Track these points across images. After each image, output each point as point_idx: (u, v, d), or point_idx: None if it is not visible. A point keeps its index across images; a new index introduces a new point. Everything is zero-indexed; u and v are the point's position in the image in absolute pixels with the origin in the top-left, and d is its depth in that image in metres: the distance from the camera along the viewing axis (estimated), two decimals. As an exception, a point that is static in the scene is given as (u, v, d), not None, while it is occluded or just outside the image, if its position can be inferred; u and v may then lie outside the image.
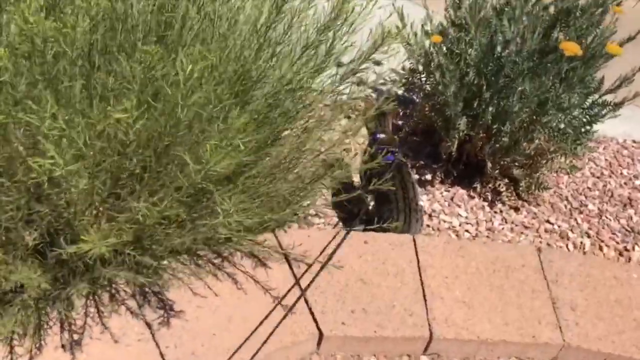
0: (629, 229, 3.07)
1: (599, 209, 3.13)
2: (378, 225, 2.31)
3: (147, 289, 1.97)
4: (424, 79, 3.17)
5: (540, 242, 2.92)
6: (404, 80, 3.42)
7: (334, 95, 2.28)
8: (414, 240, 2.29)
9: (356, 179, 2.92)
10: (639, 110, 3.66)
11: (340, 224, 2.82)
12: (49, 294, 1.83)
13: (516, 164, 3.01)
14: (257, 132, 1.83)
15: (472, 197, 3.06)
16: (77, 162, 1.35)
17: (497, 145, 2.93)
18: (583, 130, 2.92)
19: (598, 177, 3.30)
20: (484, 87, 2.87)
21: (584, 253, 2.90)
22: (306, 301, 2.06)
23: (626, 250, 2.96)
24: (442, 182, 3.09)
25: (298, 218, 2.84)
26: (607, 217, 3.10)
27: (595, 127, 2.93)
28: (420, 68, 3.16)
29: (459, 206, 3.02)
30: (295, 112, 2.05)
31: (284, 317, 2.00)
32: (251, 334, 1.95)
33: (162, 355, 1.87)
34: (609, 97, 2.89)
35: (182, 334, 1.92)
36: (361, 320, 2.05)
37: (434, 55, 2.93)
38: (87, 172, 1.38)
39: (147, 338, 1.90)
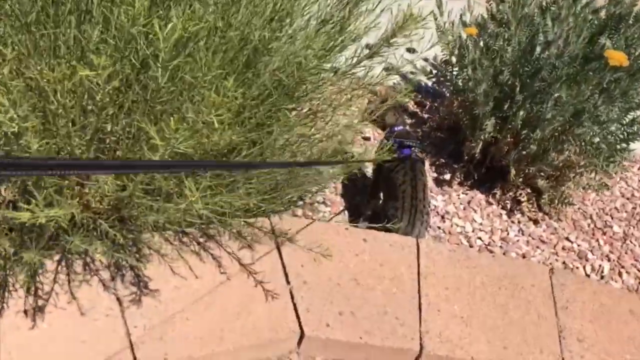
0: (653, 257, 2.82)
1: (624, 232, 2.88)
2: (381, 225, 2.11)
3: (123, 262, 1.80)
4: (455, 72, 2.93)
5: (557, 259, 2.69)
6: (435, 72, 3.19)
7: (352, 77, 2.08)
8: (418, 244, 2.08)
9: (370, 170, 2.72)
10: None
11: (346, 213, 2.62)
12: (15, 257, 1.67)
13: (542, 174, 2.77)
14: (253, 109, 1.64)
15: (490, 204, 2.84)
16: (38, 119, 1.17)
17: (524, 152, 2.69)
18: (618, 147, 2.67)
19: (628, 199, 3.04)
20: (518, 89, 2.63)
21: (602, 277, 2.67)
22: (292, 296, 1.88)
23: (647, 279, 2.72)
24: (460, 184, 2.87)
25: (304, 204, 2.65)
26: (631, 242, 2.85)
27: (633, 145, 2.68)
28: (454, 60, 2.93)
29: (475, 211, 2.80)
30: (305, 94, 1.84)
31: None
32: (227, 326, 1.78)
33: (128, 335, 1.70)
34: (651, 116, 2.63)
35: (154, 315, 1.75)
36: (348, 324, 1.85)
37: (469, 48, 2.70)
38: (44, 132, 1.20)
39: (116, 314, 1.73)
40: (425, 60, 3.35)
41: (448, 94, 3.10)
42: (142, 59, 1.26)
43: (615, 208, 2.98)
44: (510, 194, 2.85)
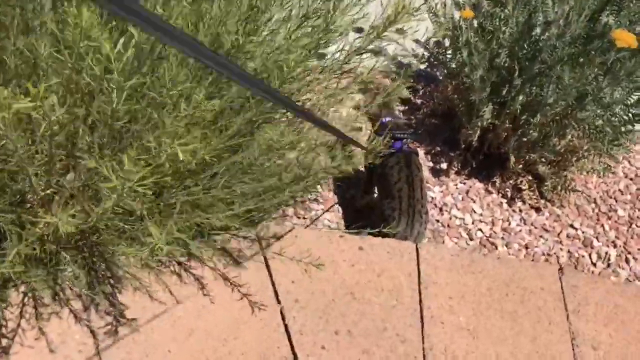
0: (661, 240, 2.63)
1: (629, 215, 2.68)
2: (377, 230, 1.90)
3: (97, 289, 1.59)
4: (449, 55, 2.70)
5: (561, 248, 2.49)
6: (426, 55, 2.96)
7: (339, 73, 1.86)
8: (417, 250, 1.87)
9: (362, 166, 2.50)
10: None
11: (339, 210, 2.41)
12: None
13: (543, 160, 2.56)
14: (230, 119, 1.41)
15: (490, 192, 2.63)
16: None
17: (524, 139, 2.48)
18: (623, 129, 2.46)
19: (632, 179, 2.83)
20: (516, 73, 2.40)
21: (608, 265, 2.48)
22: (283, 317, 1.67)
23: (655, 265, 2.53)
24: (457, 173, 2.65)
25: (295, 202, 2.44)
26: (637, 226, 2.65)
27: (638, 126, 2.47)
28: (447, 43, 2.69)
29: (474, 201, 2.59)
30: (290, 94, 1.62)
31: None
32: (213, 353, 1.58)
33: (104, 372, 1.51)
34: (657, 96, 2.41)
35: (132, 348, 1.55)
36: (344, 345, 1.66)
37: (464, 30, 2.46)
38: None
39: (90, 350, 1.52)
40: (416, 41, 3.11)
41: (442, 78, 2.87)
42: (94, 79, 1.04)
43: (620, 190, 2.77)
44: (511, 181, 2.64)
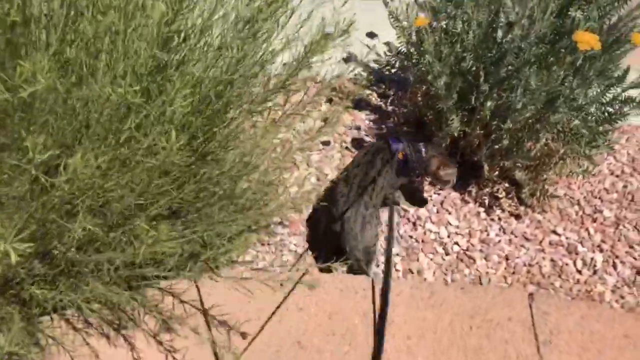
0: (650, 241, 2.41)
1: (616, 216, 2.46)
2: (330, 264, 1.72)
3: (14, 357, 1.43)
4: (415, 60, 2.49)
5: (544, 257, 2.29)
6: (392, 61, 2.75)
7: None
8: (373, 286, 1.69)
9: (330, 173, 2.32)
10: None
11: (306, 231, 2.23)
12: None
13: (518, 165, 2.35)
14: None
15: (466, 202, 2.43)
16: None
17: (496, 146, 2.27)
18: (601, 129, 2.24)
19: (617, 176, 2.61)
20: (482, 78, 2.20)
21: (594, 272, 2.27)
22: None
23: (645, 268, 2.31)
24: (431, 183, 2.46)
25: (258, 228, 2.26)
26: (625, 227, 2.43)
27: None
28: (412, 49, 2.49)
29: (450, 212, 2.40)
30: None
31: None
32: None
33: None
34: (634, 93, 2.19)
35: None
36: (292, 401, 1.49)
37: (426, 36, 2.26)
38: None
39: None
40: (387, 44, 2.91)
41: (411, 84, 2.66)
42: None
43: (605, 189, 2.56)
44: (487, 189, 2.45)
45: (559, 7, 2.16)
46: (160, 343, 1.49)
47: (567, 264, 2.30)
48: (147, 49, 1.15)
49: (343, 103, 2.64)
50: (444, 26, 2.30)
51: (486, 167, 2.33)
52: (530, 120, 2.22)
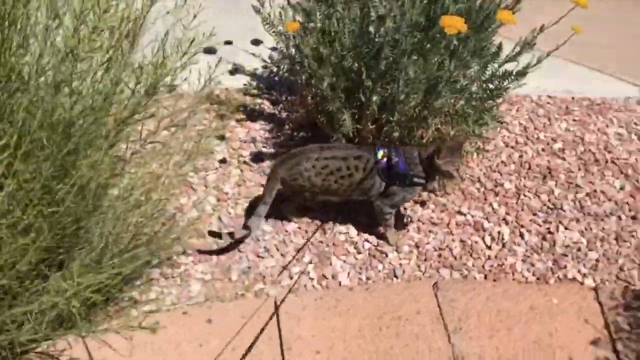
0: (551, 205, 2.43)
1: (516, 186, 2.48)
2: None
3: None
4: (298, 64, 2.42)
5: (453, 239, 2.27)
6: (280, 66, 2.68)
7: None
8: (276, 304, 1.61)
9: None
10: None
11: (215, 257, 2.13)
12: None
13: (414, 153, 2.32)
14: None
15: (371, 197, 2.38)
16: None
17: (387, 139, 2.23)
18: (486, 105, 2.24)
19: (513, 147, 2.62)
20: (364, 74, 2.15)
21: (503, 245, 2.27)
22: None
23: (549, 232, 2.33)
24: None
25: (160, 262, 2.13)
26: (525, 195, 2.45)
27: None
28: (293, 52, 2.42)
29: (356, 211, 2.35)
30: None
31: None
32: None
33: None
34: (510, 66, 2.19)
35: None
36: None
37: (303, 39, 2.19)
38: None
39: None
40: (274, 49, 2.82)
41: (300, 88, 2.60)
42: None
43: (502, 162, 2.57)
44: (389, 181, 2.40)
45: (428, -7, 2.14)
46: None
47: (476, 242, 2.29)
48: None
49: (235, 116, 2.55)
50: (321, 26, 2.24)
51: (383, 160, 2.29)
52: (417, 109, 2.19)
